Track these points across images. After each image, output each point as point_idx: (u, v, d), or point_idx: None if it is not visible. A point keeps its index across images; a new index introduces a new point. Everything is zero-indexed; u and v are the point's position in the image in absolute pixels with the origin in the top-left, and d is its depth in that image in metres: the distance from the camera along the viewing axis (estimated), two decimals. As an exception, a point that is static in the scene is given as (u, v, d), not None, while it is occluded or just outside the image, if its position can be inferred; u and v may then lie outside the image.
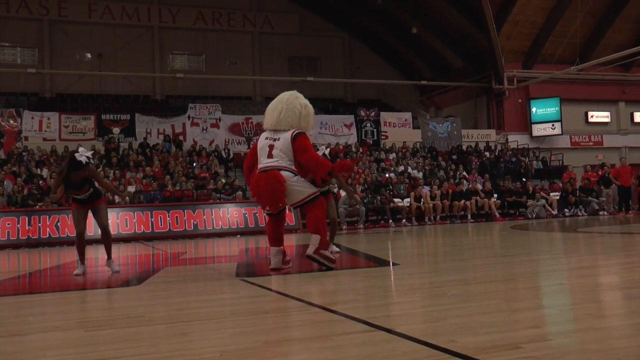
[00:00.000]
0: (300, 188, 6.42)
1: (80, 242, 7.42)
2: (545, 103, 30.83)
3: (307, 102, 6.80)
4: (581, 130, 31.83)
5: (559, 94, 30.31)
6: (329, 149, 8.47)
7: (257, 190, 6.44)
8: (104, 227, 7.55)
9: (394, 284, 5.49)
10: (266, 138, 6.61)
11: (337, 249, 8.83)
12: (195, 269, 8.06)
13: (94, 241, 15.34)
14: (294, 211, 17.75)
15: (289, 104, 6.63)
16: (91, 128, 24.23)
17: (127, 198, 18.25)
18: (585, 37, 30.46)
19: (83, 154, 7.30)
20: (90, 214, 7.58)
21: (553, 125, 30.66)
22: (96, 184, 7.58)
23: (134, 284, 6.35)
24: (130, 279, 6.84)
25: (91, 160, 7.49)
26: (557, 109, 30.52)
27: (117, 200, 18.36)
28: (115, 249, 12.74)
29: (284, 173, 6.36)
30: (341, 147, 25.64)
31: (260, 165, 6.53)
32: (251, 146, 6.98)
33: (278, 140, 6.52)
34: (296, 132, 6.51)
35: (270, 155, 6.48)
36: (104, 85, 31.41)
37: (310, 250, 6.41)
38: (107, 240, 7.61)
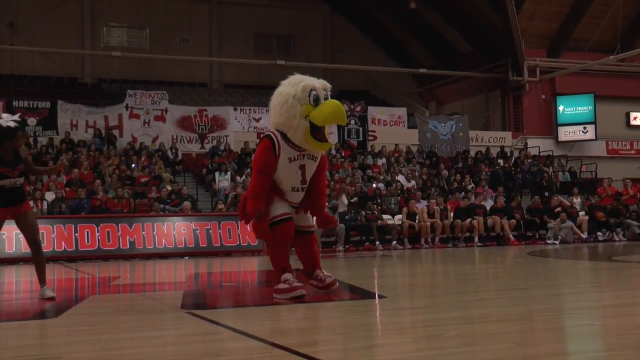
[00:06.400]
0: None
1: None
2: (576, 100, 31.09)
3: None
4: (621, 135, 32.13)
5: (594, 90, 30.57)
6: None
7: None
8: (36, 242, 7.38)
9: (380, 321, 5.49)
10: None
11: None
12: (131, 298, 8.00)
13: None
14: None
15: None
16: (-1, 117, 23.92)
17: (62, 169, 18.13)
18: (629, 18, 30.73)
19: (9, 119, 7.21)
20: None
21: (585, 128, 30.92)
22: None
23: (49, 316, 6.27)
24: (45, 309, 6.76)
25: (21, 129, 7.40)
26: (591, 108, 30.78)
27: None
28: (27, 271, 12.62)
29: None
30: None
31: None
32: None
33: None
34: None
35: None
36: (16, 64, 31.09)
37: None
38: (39, 259, 7.45)
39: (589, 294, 7.35)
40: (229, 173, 21.32)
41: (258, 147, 6.99)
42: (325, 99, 6.76)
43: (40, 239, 7.53)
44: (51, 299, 7.26)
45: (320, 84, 6.82)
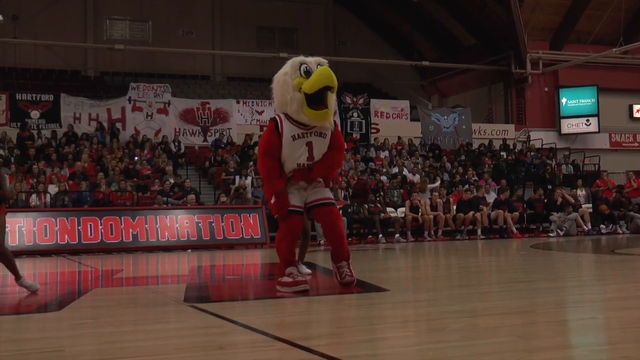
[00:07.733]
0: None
1: None
2: (579, 93, 31.08)
3: None
4: (624, 128, 32.19)
5: (596, 82, 30.59)
6: None
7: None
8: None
9: (382, 314, 5.49)
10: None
11: (309, 270, 8.57)
12: (133, 291, 8.00)
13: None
14: (260, 221, 17.75)
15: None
16: (2, 110, 23.96)
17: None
18: (632, 11, 30.75)
19: None
20: None
21: (588, 120, 30.92)
22: None
23: (52, 309, 6.27)
24: (48, 302, 6.77)
25: None
26: (594, 100, 30.79)
27: (32, 203, 18.15)
28: (29, 264, 12.63)
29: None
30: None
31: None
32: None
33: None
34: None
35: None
36: (19, 57, 31.09)
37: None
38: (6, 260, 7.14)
39: (592, 287, 7.34)
40: (249, 178, 21.11)
41: (264, 132, 7.01)
42: None
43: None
44: (34, 291, 7.10)
45: (313, 59, 6.78)
